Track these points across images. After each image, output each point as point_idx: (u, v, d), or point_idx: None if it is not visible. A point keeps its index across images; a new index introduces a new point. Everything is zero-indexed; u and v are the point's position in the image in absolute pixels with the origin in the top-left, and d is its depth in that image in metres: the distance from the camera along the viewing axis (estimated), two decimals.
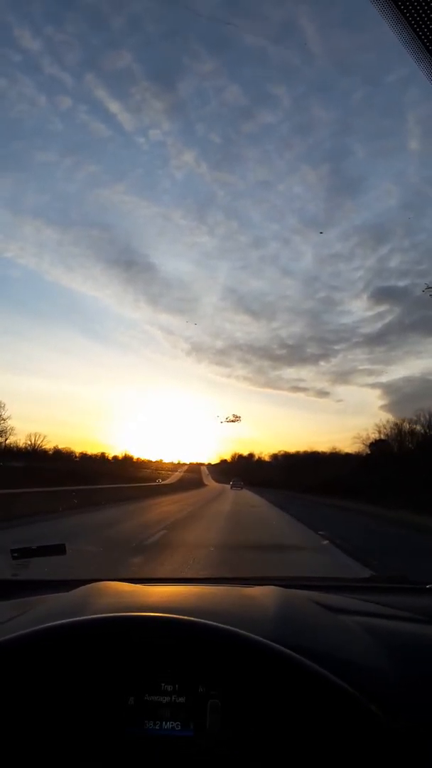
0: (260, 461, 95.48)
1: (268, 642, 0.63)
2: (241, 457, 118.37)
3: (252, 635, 0.63)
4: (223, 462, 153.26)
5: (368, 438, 44.59)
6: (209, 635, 0.63)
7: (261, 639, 0.63)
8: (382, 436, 42.68)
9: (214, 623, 0.64)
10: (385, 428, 42.37)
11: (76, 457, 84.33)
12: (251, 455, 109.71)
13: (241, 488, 48.04)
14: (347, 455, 47.69)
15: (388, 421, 42.61)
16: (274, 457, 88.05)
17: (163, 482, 46.40)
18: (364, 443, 44.32)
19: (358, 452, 45.40)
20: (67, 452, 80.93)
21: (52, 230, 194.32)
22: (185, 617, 0.66)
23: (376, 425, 43.56)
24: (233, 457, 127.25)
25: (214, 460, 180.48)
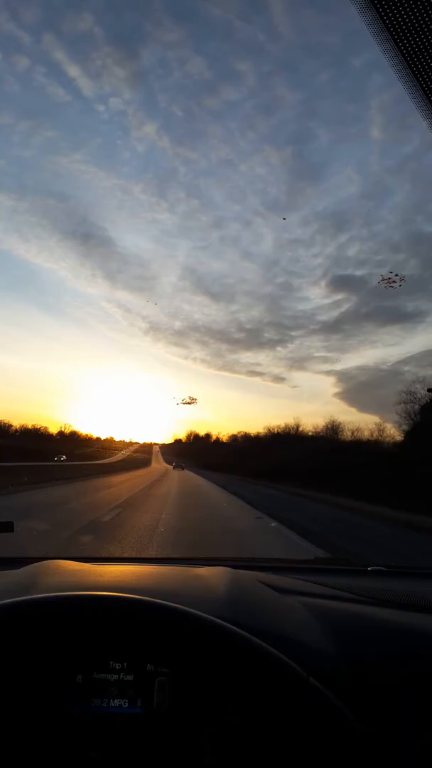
0: (218, 442, 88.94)
1: (213, 618, 0.63)
2: (197, 437, 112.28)
3: (196, 612, 0.64)
4: (177, 442, 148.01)
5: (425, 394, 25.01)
6: (153, 612, 0.64)
7: (205, 615, 0.63)
8: None
9: (159, 600, 0.65)
10: None
11: (15, 430, 74.79)
12: (208, 435, 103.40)
13: (183, 469, 50.98)
14: (355, 442, 34.04)
15: None
16: (233, 438, 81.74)
17: (61, 461, 36.21)
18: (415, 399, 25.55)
19: (386, 432, 29.99)
20: (3, 424, 71.59)
21: (6, 197, 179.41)
22: (130, 595, 0.66)
23: None
24: (189, 437, 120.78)
25: (169, 440, 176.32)
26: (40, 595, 0.66)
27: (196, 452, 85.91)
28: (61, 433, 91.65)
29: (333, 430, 40.06)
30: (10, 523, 1.43)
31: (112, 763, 0.62)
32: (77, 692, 0.65)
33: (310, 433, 44.19)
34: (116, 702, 0.64)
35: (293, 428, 50.04)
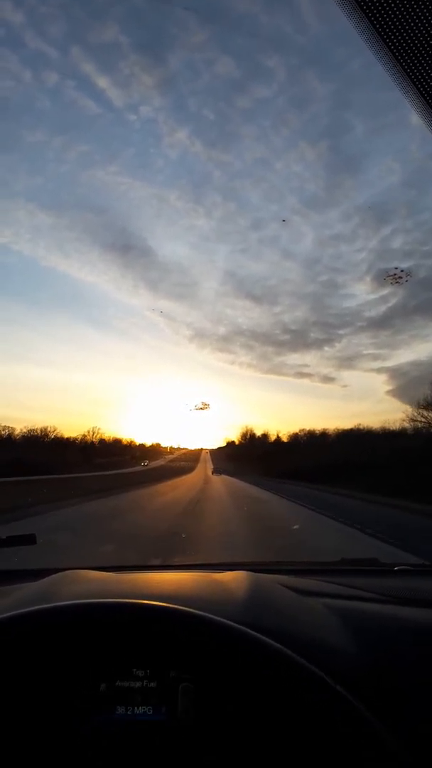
0: (278, 442, 73.13)
1: (232, 623, 0.64)
2: (252, 437, 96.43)
3: (216, 617, 0.64)
4: (230, 445, 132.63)
5: None
6: (174, 618, 0.65)
7: (225, 620, 0.64)
8: None
9: (178, 606, 0.66)
10: None
11: (45, 440, 63.88)
12: (266, 435, 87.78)
13: (221, 474, 49.28)
14: None
15: None
16: (294, 437, 66.07)
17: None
18: None
19: None
20: (37, 436, 61.29)
21: (46, 214, 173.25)
22: (149, 602, 0.66)
23: None
24: (245, 436, 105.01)
25: (220, 444, 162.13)
26: (60, 603, 0.66)
27: (251, 455, 71.13)
28: (102, 441, 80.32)
29: None
30: (33, 536, 1.45)
31: None
32: (101, 700, 0.65)
33: None
34: (140, 709, 0.65)
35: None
